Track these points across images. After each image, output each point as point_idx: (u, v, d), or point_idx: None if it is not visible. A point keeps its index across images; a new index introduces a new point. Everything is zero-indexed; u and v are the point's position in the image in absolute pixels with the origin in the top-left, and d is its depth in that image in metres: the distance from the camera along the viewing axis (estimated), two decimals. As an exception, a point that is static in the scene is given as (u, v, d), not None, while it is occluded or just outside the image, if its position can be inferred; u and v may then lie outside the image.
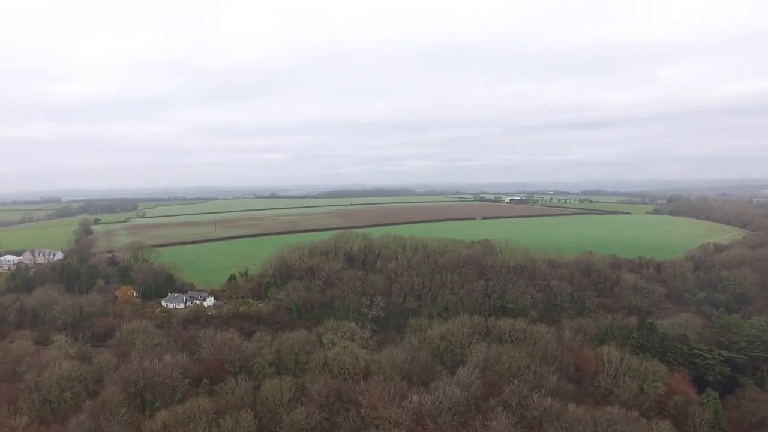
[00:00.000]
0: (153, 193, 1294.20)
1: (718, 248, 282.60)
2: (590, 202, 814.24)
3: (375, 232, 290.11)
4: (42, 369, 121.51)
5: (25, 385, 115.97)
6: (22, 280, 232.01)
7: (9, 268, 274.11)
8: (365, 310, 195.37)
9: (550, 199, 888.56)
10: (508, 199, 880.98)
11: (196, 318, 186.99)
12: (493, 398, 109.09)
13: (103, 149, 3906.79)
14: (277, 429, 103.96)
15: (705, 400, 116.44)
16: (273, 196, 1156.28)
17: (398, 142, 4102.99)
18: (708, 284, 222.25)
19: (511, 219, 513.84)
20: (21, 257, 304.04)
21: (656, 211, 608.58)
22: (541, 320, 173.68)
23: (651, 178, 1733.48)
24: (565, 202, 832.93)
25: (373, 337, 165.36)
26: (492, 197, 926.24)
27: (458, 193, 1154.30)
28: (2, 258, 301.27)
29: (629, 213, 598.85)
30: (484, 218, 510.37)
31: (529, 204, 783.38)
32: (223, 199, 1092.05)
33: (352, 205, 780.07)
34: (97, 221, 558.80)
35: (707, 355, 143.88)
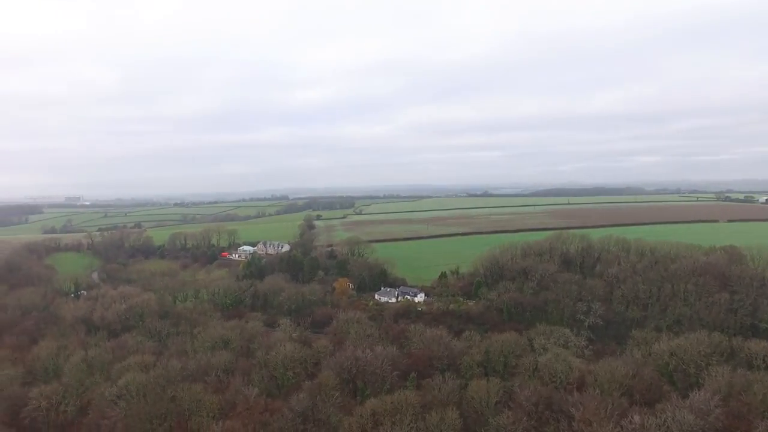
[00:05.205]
0: (369, 191, 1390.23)
1: None
2: None
3: (594, 234, 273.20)
4: (270, 348, 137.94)
5: (257, 360, 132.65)
6: (256, 268, 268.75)
7: (246, 257, 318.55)
8: (581, 317, 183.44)
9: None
10: (763, 198, 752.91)
11: (407, 313, 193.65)
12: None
13: (327, 150, 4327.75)
14: (482, 431, 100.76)
15: None
16: (486, 194, 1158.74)
17: (625, 136, 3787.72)
18: None
19: (767, 222, 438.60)
20: (255, 248, 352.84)
21: None
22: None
23: None
24: None
25: (589, 347, 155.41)
26: (741, 196, 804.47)
27: (696, 191, 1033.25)
28: (240, 248, 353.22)
29: None
30: (730, 221, 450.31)
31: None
32: (436, 197, 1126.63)
33: (569, 204, 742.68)
34: (318, 217, 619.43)
35: None
